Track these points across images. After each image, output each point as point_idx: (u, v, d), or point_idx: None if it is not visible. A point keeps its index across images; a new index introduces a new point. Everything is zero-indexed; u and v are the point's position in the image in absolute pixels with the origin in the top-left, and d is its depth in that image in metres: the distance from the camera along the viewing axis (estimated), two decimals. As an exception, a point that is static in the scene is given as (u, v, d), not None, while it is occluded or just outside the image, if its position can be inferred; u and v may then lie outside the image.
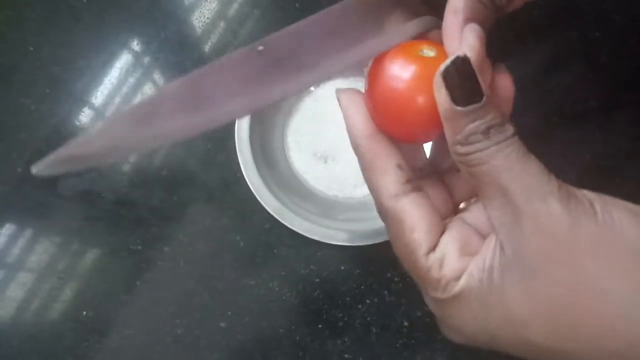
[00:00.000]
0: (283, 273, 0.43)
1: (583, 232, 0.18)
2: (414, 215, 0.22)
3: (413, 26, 0.23)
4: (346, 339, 0.41)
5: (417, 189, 0.23)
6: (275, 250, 0.43)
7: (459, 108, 0.19)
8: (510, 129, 0.19)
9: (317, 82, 0.21)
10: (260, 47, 0.21)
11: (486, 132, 0.19)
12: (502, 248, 0.20)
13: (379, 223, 0.40)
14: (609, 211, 0.18)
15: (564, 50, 0.48)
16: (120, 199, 0.45)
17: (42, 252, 0.44)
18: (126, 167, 0.46)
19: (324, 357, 0.41)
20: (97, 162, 0.19)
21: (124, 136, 0.19)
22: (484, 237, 0.22)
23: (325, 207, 0.43)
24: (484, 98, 0.19)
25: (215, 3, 0.51)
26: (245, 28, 0.50)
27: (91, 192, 0.45)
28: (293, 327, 0.41)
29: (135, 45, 0.50)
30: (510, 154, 0.19)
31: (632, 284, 0.18)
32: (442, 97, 0.20)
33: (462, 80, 0.19)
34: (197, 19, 0.50)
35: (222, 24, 0.50)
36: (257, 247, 0.43)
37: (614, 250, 0.18)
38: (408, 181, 0.22)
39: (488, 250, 0.20)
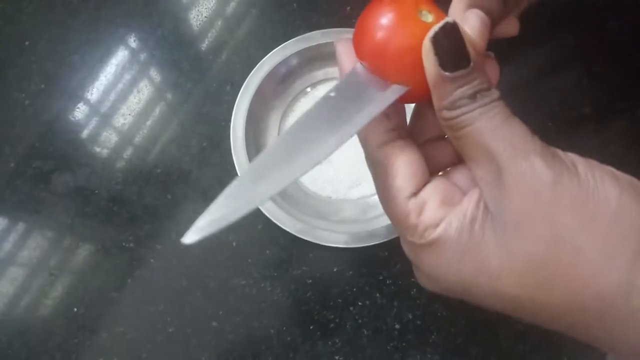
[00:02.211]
0: (275, 274, 0.43)
1: (565, 190, 0.18)
2: (399, 161, 0.22)
3: None
4: (337, 341, 0.41)
5: (403, 136, 0.23)
6: (267, 251, 0.43)
7: (446, 73, 0.20)
8: (496, 93, 0.20)
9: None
10: (332, 94, 0.22)
11: (473, 97, 0.20)
12: (485, 204, 0.20)
13: (373, 225, 0.41)
14: (592, 172, 0.19)
15: (559, 57, 0.48)
16: (114, 196, 0.45)
17: (34, 247, 0.44)
18: (120, 165, 0.46)
19: (315, 358, 0.41)
20: (235, 219, 0.20)
21: (249, 192, 0.21)
22: (463, 193, 0.22)
23: (318, 208, 0.43)
24: (472, 64, 0.20)
25: (213, 1, 0.51)
26: (242, 27, 0.50)
27: (85, 189, 0.45)
28: (284, 327, 0.41)
29: (132, 41, 0.49)
30: (495, 116, 0.20)
31: (609, 242, 0.18)
32: (430, 62, 0.20)
33: (450, 46, 0.20)
34: (194, 16, 0.50)
35: (219, 22, 0.50)
36: (250, 248, 0.43)
37: (593, 209, 0.18)
38: (394, 129, 0.23)
39: (471, 203, 0.21)
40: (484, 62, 0.22)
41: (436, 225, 0.21)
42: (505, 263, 0.19)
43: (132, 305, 0.42)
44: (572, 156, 0.20)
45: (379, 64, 0.22)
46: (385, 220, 0.40)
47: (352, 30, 0.46)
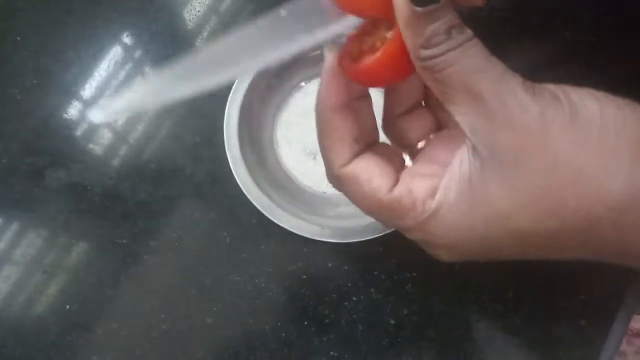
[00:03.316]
0: (270, 269, 0.42)
1: (552, 118, 0.19)
2: (367, 169, 0.23)
3: None
4: (332, 336, 0.41)
5: (365, 150, 0.24)
6: (262, 247, 0.43)
7: (418, 9, 0.19)
8: (469, 31, 0.20)
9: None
10: (284, 12, 0.23)
11: (448, 32, 0.19)
12: (476, 151, 0.20)
13: (368, 220, 0.40)
14: (571, 95, 0.19)
15: (558, 52, 0.48)
16: (107, 192, 0.44)
17: (27, 244, 0.44)
18: (114, 160, 0.46)
19: (310, 354, 0.41)
20: (139, 110, 0.21)
21: (165, 89, 0.21)
22: (445, 166, 0.23)
23: (313, 203, 0.43)
24: None
25: (207, -4, 0.50)
26: (237, 21, 0.50)
27: (78, 185, 0.45)
28: (279, 323, 0.41)
29: (126, 37, 0.49)
30: (476, 55, 0.19)
31: (604, 155, 0.18)
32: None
33: None
34: (188, 11, 0.50)
35: (214, 17, 0.50)
36: (245, 243, 0.43)
37: (582, 128, 0.19)
38: (359, 152, 0.24)
39: (462, 162, 0.21)
40: None
41: (433, 194, 0.22)
42: (512, 202, 0.19)
43: (126, 302, 0.42)
44: (549, 86, 0.20)
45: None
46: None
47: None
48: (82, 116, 0.47)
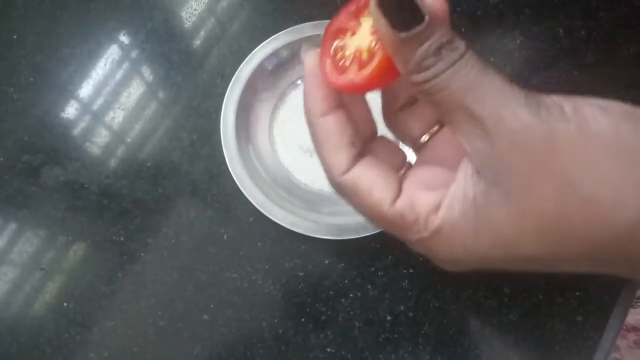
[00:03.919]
0: (267, 266, 0.42)
1: (559, 138, 0.17)
2: (368, 179, 0.22)
3: None
4: (329, 333, 0.41)
5: (364, 154, 0.23)
6: (259, 244, 0.43)
7: (402, 34, 0.18)
8: (461, 45, 0.18)
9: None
10: None
11: (437, 53, 0.18)
12: (479, 173, 0.19)
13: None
14: (581, 111, 0.18)
15: (550, 48, 0.48)
16: (104, 190, 0.44)
17: (24, 242, 0.44)
18: (110, 159, 0.46)
19: (307, 351, 0.41)
20: None
21: None
22: (450, 168, 0.22)
23: (310, 200, 0.43)
24: (426, 17, 0.18)
25: (204, -6, 0.50)
26: (233, 19, 0.50)
27: (74, 183, 0.45)
28: (276, 320, 0.41)
29: (122, 35, 0.49)
30: (469, 73, 0.18)
31: (615, 183, 0.17)
32: (382, 27, 0.19)
33: (398, 5, 0.18)
34: (184, 9, 0.50)
35: (209, 14, 0.50)
36: (241, 240, 0.43)
37: (592, 149, 0.17)
38: (358, 154, 0.23)
39: (466, 179, 0.20)
40: (438, 13, 0.20)
41: (436, 210, 0.21)
42: (518, 229, 0.19)
43: (122, 299, 0.42)
44: (556, 99, 0.18)
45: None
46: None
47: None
48: (79, 114, 0.47)
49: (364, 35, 0.21)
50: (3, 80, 0.48)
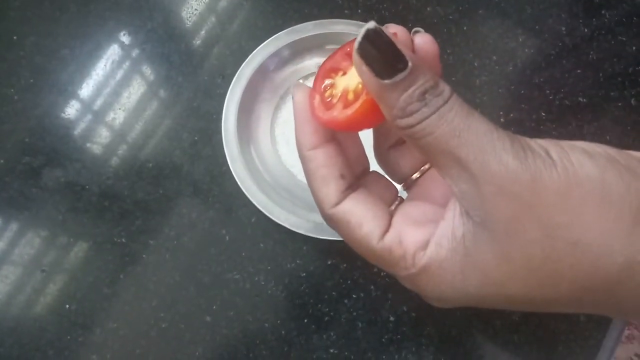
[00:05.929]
0: (269, 267, 0.42)
1: (545, 185, 0.17)
2: (358, 212, 0.22)
3: None
4: (332, 334, 0.41)
5: (355, 188, 0.23)
6: (261, 245, 0.43)
7: (386, 81, 0.18)
8: (446, 90, 0.18)
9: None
10: None
11: (422, 98, 0.18)
12: (468, 215, 0.19)
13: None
14: (567, 157, 0.18)
15: (553, 46, 0.48)
16: (105, 192, 0.44)
17: (25, 244, 0.43)
18: (111, 159, 0.45)
19: (310, 352, 0.41)
20: None
21: None
22: (440, 205, 0.22)
23: (312, 201, 0.43)
24: (409, 63, 0.18)
25: (204, -6, 0.50)
26: (233, 19, 0.49)
27: (76, 184, 0.45)
28: (279, 321, 0.41)
29: (122, 35, 0.49)
30: (454, 119, 0.18)
31: (603, 228, 0.17)
32: (365, 74, 0.19)
33: (380, 52, 0.18)
34: (184, 9, 0.50)
35: (210, 14, 0.50)
36: (243, 241, 0.43)
37: (579, 196, 0.17)
38: (349, 187, 0.23)
39: (455, 218, 0.20)
40: (422, 59, 0.20)
41: (424, 247, 0.21)
42: (506, 271, 0.19)
43: (125, 301, 0.42)
44: (542, 143, 0.19)
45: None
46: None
47: (343, 20, 0.46)
48: (80, 115, 0.47)
49: (353, 76, 0.22)
50: (3, 81, 0.47)
